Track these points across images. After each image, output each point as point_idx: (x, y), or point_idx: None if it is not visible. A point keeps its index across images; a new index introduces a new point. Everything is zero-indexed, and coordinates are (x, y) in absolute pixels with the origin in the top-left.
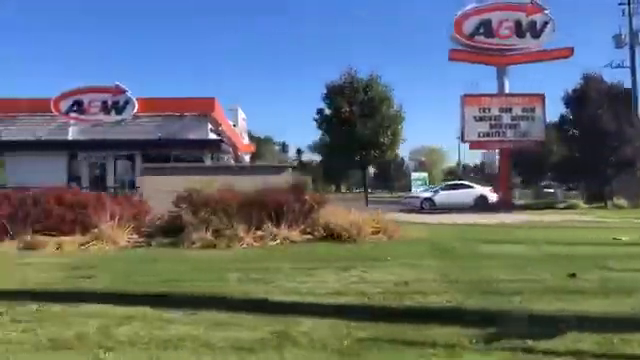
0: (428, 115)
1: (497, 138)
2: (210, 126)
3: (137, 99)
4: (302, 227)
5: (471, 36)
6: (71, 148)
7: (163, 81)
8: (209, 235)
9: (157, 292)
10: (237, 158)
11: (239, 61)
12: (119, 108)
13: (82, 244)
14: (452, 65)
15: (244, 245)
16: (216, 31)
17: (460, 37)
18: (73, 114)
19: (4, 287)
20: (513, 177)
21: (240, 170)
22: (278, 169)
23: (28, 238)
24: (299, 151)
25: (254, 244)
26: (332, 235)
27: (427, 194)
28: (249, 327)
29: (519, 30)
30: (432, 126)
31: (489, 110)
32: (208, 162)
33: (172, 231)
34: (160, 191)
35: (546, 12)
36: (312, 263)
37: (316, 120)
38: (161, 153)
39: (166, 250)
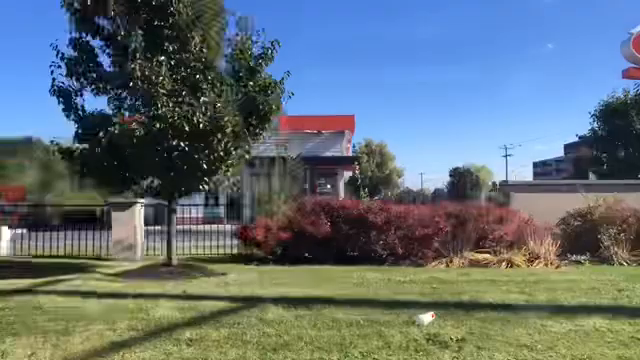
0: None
1: None
2: (343, 142)
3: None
4: None
5: None
6: None
7: None
8: (627, 254)
9: None
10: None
11: None
12: None
13: (528, 262)
14: None
15: None
16: None
17: (638, 54)
18: None
19: None
20: None
21: (610, 187)
22: None
23: (469, 255)
24: None
25: None
26: None
27: None
28: None
29: None
30: (469, 144)
31: None
32: (341, 181)
33: (574, 247)
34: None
35: None
36: None
37: (581, 137)
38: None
39: None
